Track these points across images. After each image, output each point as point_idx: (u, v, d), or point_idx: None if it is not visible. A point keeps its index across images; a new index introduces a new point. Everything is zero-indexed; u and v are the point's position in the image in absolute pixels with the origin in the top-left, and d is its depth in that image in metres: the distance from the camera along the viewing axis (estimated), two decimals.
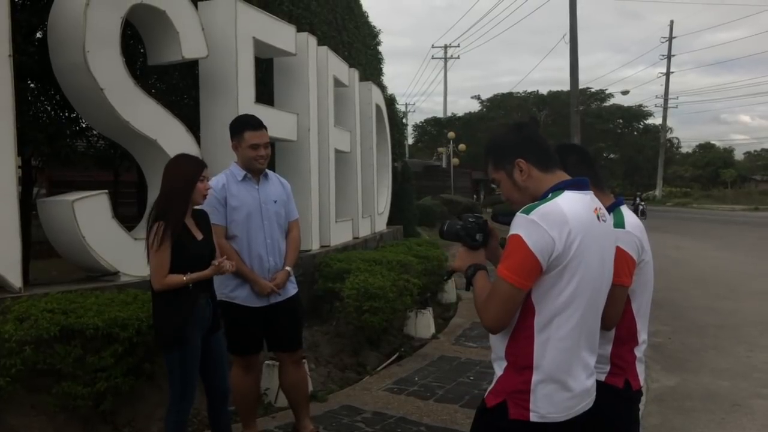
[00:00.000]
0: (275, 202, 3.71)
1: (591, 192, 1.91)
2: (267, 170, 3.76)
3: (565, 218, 1.75)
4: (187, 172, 3.12)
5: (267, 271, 3.64)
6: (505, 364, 1.87)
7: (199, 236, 3.19)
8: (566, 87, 32.98)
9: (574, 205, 1.80)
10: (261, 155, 3.59)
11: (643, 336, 2.23)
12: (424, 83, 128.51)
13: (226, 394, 3.40)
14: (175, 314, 3.04)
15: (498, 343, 1.89)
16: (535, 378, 1.80)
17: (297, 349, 3.85)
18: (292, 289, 3.79)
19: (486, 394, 1.91)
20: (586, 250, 1.78)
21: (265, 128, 3.66)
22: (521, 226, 1.77)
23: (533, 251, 1.73)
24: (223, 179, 3.62)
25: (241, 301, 3.60)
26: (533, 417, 1.79)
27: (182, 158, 3.28)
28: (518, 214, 1.79)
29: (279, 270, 3.69)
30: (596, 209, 1.88)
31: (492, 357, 1.94)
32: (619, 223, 2.14)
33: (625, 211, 2.22)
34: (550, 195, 1.84)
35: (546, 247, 1.74)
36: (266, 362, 4.46)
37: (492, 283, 1.84)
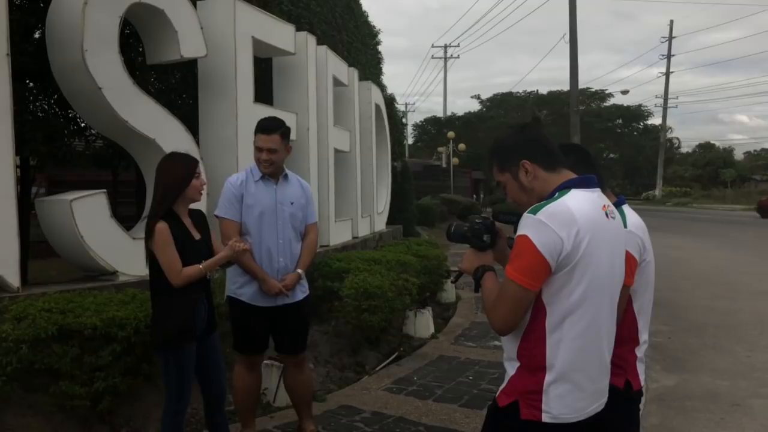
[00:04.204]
0: (292, 203, 3.69)
1: (598, 190, 1.90)
2: (288, 171, 3.75)
3: (573, 217, 1.74)
4: (181, 170, 3.10)
5: (276, 271, 3.61)
6: (517, 364, 1.85)
7: (197, 236, 3.17)
8: (563, 87, 33.06)
9: (582, 204, 1.79)
10: (262, 158, 3.58)
11: (644, 336, 2.22)
12: (423, 83, 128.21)
13: (222, 396, 3.38)
14: (177, 315, 3.01)
15: (510, 344, 1.88)
16: (547, 378, 1.78)
17: (299, 353, 3.83)
18: (301, 293, 3.74)
19: (498, 393, 1.90)
20: (596, 249, 1.76)
21: (276, 134, 3.56)
22: (529, 226, 1.75)
23: (541, 252, 1.72)
24: (243, 177, 3.64)
25: (247, 299, 3.58)
26: (545, 417, 1.78)
27: (175, 156, 3.24)
28: (525, 214, 1.78)
29: (290, 272, 3.66)
30: (604, 206, 1.86)
31: (504, 357, 1.92)
32: (622, 223, 2.13)
33: (627, 210, 2.21)
34: (557, 194, 1.82)
35: (554, 247, 1.72)
36: (265, 362, 4.44)
37: (501, 284, 1.82)
